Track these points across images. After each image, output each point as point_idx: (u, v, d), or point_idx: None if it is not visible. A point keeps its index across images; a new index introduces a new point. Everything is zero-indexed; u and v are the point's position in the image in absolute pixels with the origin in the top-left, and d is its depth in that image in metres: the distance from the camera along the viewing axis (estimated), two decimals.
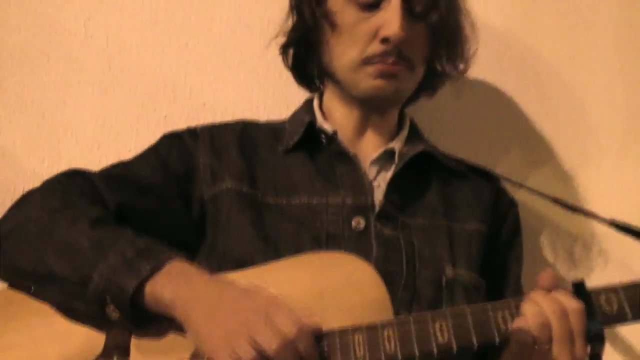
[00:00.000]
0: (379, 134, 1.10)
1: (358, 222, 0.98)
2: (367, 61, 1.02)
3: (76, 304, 0.87)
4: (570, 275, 1.25)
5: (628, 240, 1.02)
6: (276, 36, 1.15)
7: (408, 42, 1.01)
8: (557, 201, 1.10)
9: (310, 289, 0.84)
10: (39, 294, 0.90)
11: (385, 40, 1.00)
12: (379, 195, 1.02)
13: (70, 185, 0.98)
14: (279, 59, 1.26)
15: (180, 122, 1.25)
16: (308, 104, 1.14)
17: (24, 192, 0.99)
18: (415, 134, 1.12)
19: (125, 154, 1.25)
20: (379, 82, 1.02)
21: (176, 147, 1.06)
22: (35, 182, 1.21)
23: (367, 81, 1.03)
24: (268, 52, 1.29)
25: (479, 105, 1.35)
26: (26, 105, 1.27)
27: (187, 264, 0.85)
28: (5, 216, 0.97)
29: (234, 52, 1.32)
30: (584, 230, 1.25)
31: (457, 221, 1.05)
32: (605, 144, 1.33)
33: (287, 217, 0.99)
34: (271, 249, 0.95)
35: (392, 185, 1.02)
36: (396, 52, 1.01)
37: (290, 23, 1.13)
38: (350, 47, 1.03)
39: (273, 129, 1.12)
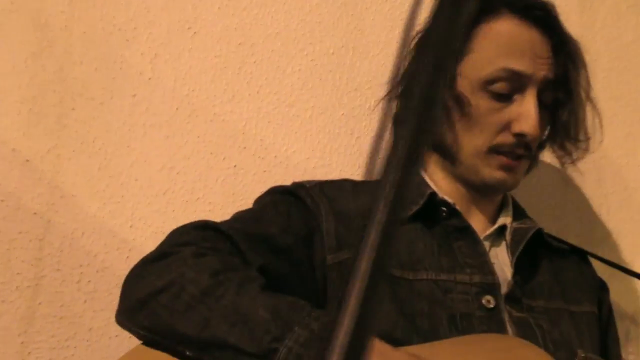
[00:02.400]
0: (486, 209, 1.14)
1: (488, 301, 1.01)
2: (493, 150, 1.07)
3: None
4: None
5: None
6: (384, 97, 1.20)
7: (536, 139, 1.07)
8: None
9: None
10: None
11: (520, 135, 1.05)
12: (499, 273, 1.05)
13: (217, 243, 0.97)
14: (351, 115, 1.33)
15: (250, 174, 1.28)
16: None
17: (162, 244, 0.98)
18: (519, 210, 1.17)
19: (192, 203, 1.26)
20: (500, 175, 1.07)
21: (295, 206, 1.06)
22: (96, 228, 1.23)
23: (488, 170, 1.07)
24: (340, 108, 1.35)
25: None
26: (87, 145, 1.23)
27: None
28: (147, 270, 0.94)
29: (306, 105, 1.33)
30: None
31: (573, 303, 1.10)
32: None
33: (417, 293, 1.00)
34: (409, 325, 0.96)
35: (516, 265, 1.06)
36: (525, 145, 1.07)
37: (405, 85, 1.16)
38: (479, 134, 1.07)
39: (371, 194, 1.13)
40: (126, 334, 1.16)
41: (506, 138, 1.06)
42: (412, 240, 1.05)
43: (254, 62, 1.32)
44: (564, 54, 1.10)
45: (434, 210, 1.08)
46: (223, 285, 0.88)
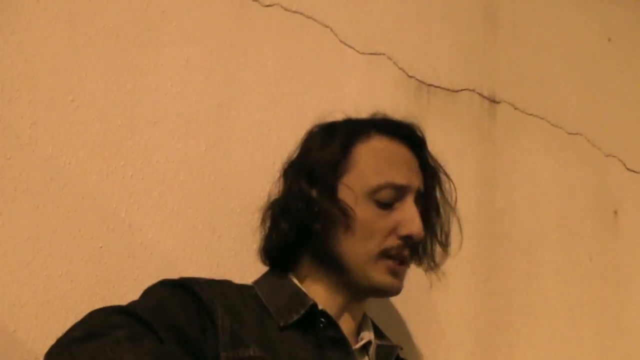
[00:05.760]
0: (352, 322, 1.28)
1: None
2: (382, 254, 1.22)
3: None
4: None
5: None
6: (263, 219, 1.33)
7: (419, 240, 1.25)
8: None
9: None
10: None
11: (407, 238, 1.23)
12: None
13: (143, 329, 1.02)
14: (214, 213, 1.47)
15: (115, 256, 1.34)
16: (284, 279, 1.28)
17: (86, 325, 1.02)
18: (376, 326, 1.34)
19: (54, 278, 1.28)
20: (390, 279, 1.23)
21: (191, 300, 1.13)
22: None
23: (378, 275, 1.23)
24: (205, 205, 1.47)
25: None
26: None
27: None
28: (76, 349, 0.96)
29: (174, 197, 1.42)
30: None
31: None
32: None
33: None
34: None
35: None
36: (409, 247, 1.25)
37: (283, 206, 1.30)
38: (368, 240, 1.22)
39: (252, 297, 1.23)
40: None
41: (393, 242, 1.23)
42: (293, 347, 1.17)
43: (131, 145, 1.40)
44: (430, 168, 1.33)
45: (311, 320, 1.21)
46: None
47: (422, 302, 1.69)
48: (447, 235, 1.37)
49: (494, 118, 1.97)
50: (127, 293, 1.33)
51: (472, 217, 1.84)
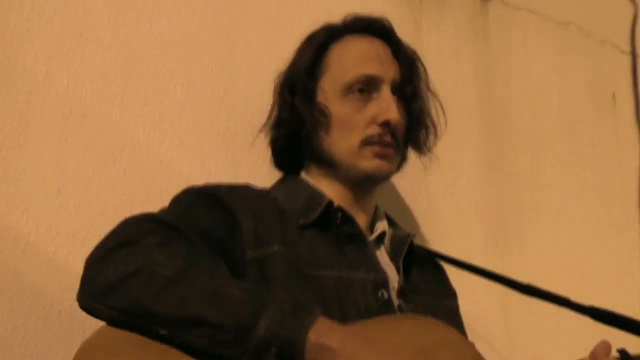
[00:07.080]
0: (366, 216, 1.37)
1: (382, 294, 1.23)
2: (365, 143, 1.29)
3: (226, 350, 0.98)
4: None
5: None
6: (260, 131, 1.44)
7: (398, 125, 1.32)
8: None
9: (415, 347, 1.05)
10: (177, 338, 1.00)
11: (385, 124, 1.29)
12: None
13: (173, 234, 1.10)
14: (227, 130, 1.56)
15: (138, 177, 1.44)
16: (298, 181, 1.36)
17: (119, 233, 1.09)
18: (389, 217, 1.42)
19: (85, 203, 1.38)
20: (377, 163, 1.30)
21: (215, 204, 1.21)
22: None
23: (366, 162, 1.30)
24: (217, 123, 1.55)
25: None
26: None
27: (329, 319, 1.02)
28: (112, 256, 1.04)
29: (187, 118, 1.52)
30: None
31: (442, 299, 1.37)
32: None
33: (326, 287, 1.19)
34: (324, 314, 1.08)
35: (403, 266, 1.31)
36: (391, 133, 1.31)
37: (275, 116, 1.40)
38: (349, 134, 1.30)
39: (271, 200, 1.31)
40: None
41: (373, 130, 1.30)
42: (312, 244, 1.25)
43: (141, 74, 1.47)
44: (403, 57, 1.39)
45: (328, 217, 1.29)
46: (194, 269, 1.02)
47: (432, 194, 1.79)
48: (430, 116, 1.44)
49: (486, 15, 2.03)
50: (153, 210, 1.42)
51: (473, 113, 1.91)
